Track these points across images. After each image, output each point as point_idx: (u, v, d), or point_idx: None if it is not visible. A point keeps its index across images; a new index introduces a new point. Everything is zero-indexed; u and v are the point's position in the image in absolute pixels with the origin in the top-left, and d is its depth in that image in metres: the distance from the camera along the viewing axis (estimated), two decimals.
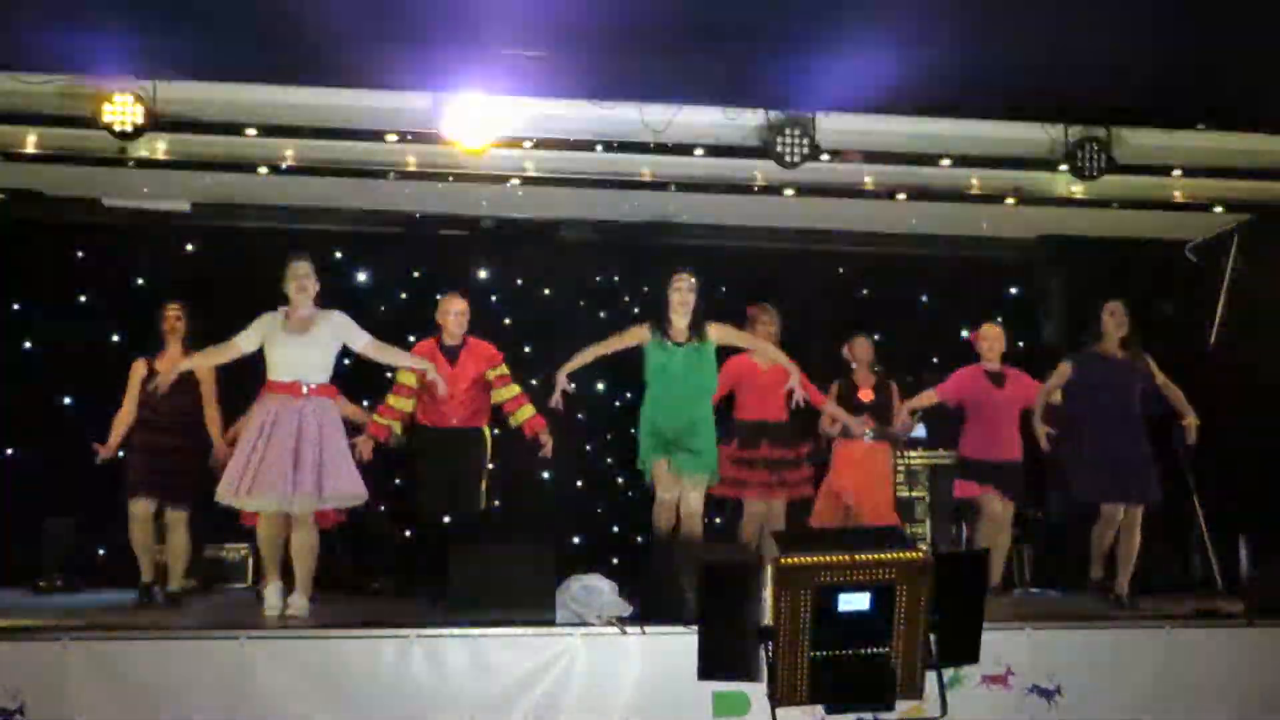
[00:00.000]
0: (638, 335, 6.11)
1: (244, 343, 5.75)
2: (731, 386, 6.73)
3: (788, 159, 6.61)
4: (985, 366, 6.99)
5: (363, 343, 5.87)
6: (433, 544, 6.46)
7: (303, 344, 5.70)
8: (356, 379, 7.38)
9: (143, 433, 6.43)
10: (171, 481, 6.38)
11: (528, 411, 6.65)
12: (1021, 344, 7.68)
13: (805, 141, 6.61)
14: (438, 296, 6.77)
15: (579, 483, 8.51)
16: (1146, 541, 6.63)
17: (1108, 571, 6.63)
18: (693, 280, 6.07)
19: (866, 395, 7.10)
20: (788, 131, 6.60)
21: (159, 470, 6.35)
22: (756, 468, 6.66)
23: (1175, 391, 6.63)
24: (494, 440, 6.78)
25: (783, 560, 3.54)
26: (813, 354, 7.19)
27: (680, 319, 6.07)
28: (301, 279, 5.76)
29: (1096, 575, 6.63)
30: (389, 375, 7.35)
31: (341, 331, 5.82)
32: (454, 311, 6.59)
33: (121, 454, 6.49)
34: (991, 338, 7.03)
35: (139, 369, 6.50)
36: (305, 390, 5.65)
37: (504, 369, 6.69)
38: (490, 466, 6.70)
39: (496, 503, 6.98)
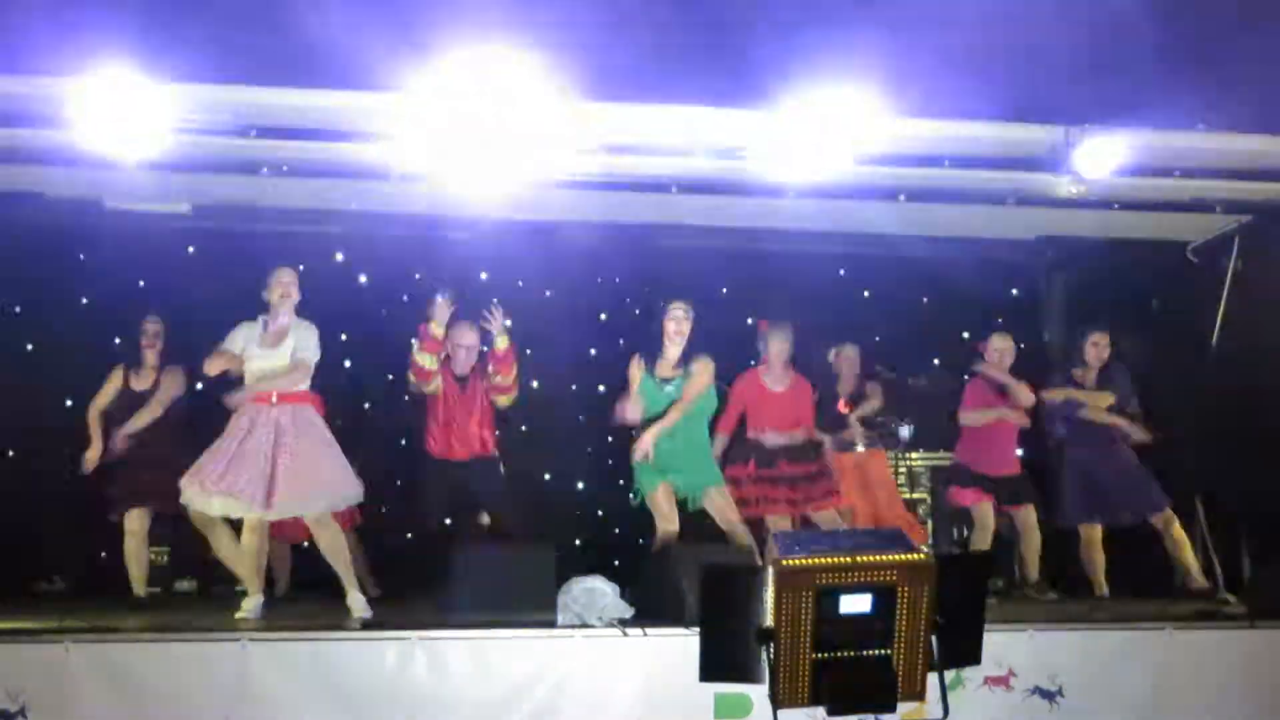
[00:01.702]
0: (636, 370, 6.15)
1: (232, 348, 5.80)
2: (741, 407, 6.70)
3: (788, 160, 6.61)
4: (995, 374, 7.01)
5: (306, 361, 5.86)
6: (434, 546, 6.49)
7: (277, 354, 5.76)
8: (357, 380, 7.41)
9: (131, 445, 6.45)
10: (166, 490, 6.40)
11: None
12: (1022, 345, 7.69)
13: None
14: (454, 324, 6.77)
15: (580, 484, 8.51)
16: (1148, 542, 6.68)
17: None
18: (689, 309, 6.10)
19: (843, 407, 7.12)
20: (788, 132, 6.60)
21: (152, 480, 6.36)
22: (779, 485, 6.62)
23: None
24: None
25: (784, 561, 3.54)
26: (813, 355, 7.20)
27: (675, 348, 6.13)
28: (286, 285, 5.81)
29: (1102, 594, 6.74)
30: (389, 378, 7.39)
31: (307, 345, 5.85)
32: (465, 345, 6.62)
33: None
34: (1002, 349, 7.05)
35: (115, 379, 6.61)
36: (275, 399, 5.70)
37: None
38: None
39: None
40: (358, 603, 5.65)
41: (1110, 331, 6.98)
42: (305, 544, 6.70)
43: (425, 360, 6.45)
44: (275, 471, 5.58)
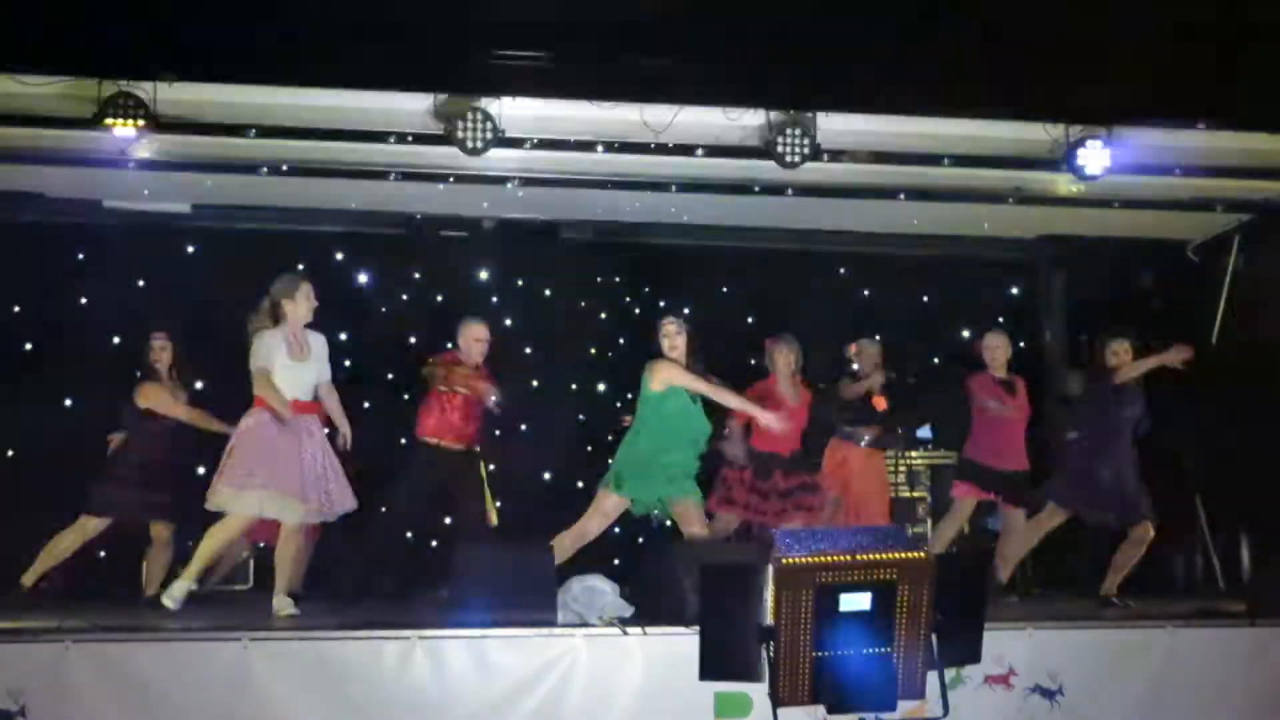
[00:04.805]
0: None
1: (270, 364, 5.78)
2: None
3: (788, 159, 6.62)
4: (994, 375, 7.00)
5: (325, 376, 6.01)
6: (434, 545, 6.53)
7: (304, 366, 5.87)
8: (357, 380, 7.41)
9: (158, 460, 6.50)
10: (155, 498, 6.45)
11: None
12: (1023, 344, 7.67)
13: (806, 141, 6.62)
14: (461, 319, 6.85)
15: (580, 483, 8.50)
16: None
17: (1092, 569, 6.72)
18: (680, 323, 6.09)
19: (880, 404, 7.10)
20: (788, 132, 6.61)
21: (142, 485, 6.43)
22: (770, 499, 6.67)
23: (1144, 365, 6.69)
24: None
25: (784, 560, 3.54)
26: (813, 353, 7.20)
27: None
28: (313, 299, 5.92)
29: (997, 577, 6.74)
30: (389, 377, 7.39)
31: (324, 356, 6.00)
32: (476, 338, 6.76)
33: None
34: (995, 346, 7.04)
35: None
36: (301, 407, 5.81)
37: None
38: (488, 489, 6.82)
39: (498, 503, 7.01)
40: (285, 604, 5.74)
41: (1132, 341, 6.82)
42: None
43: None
44: (305, 477, 5.71)
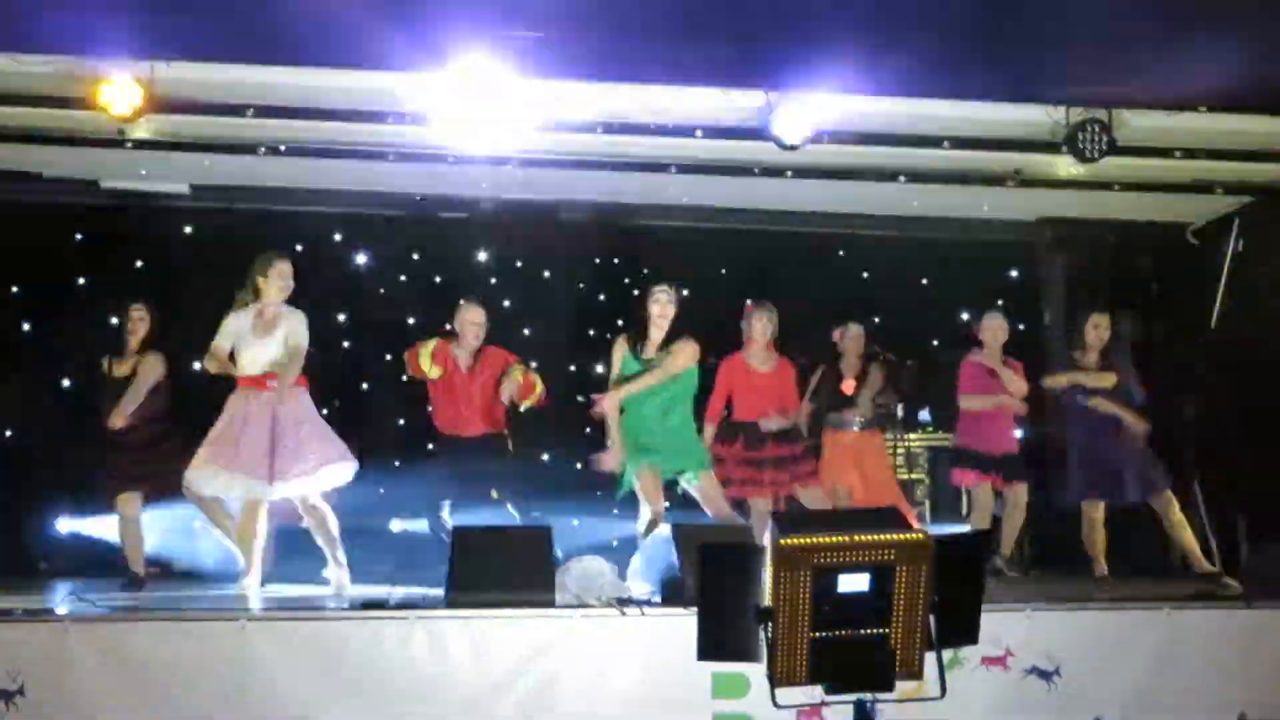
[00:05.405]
0: (620, 349, 6.17)
1: (229, 341, 5.92)
2: (727, 391, 6.74)
3: (788, 141, 6.60)
4: (984, 360, 7.02)
5: (300, 346, 5.98)
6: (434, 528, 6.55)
7: (270, 342, 5.89)
8: (355, 361, 7.41)
9: (117, 431, 6.47)
10: (156, 473, 6.45)
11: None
12: (1022, 326, 7.66)
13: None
14: (459, 301, 6.83)
15: (578, 465, 8.51)
16: (1146, 522, 6.70)
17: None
18: (672, 293, 6.12)
19: (849, 388, 7.12)
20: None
21: (142, 465, 6.42)
22: (765, 468, 6.67)
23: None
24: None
25: (782, 541, 3.54)
26: (811, 338, 7.21)
27: (658, 331, 6.15)
28: (287, 278, 5.97)
29: (1101, 573, 6.73)
30: (387, 359, 7.38)
31: (299, 333, 5.97)
32: (472, 322, 6.71)
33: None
34: (993, 329, 7.07)
35: (104, 368, 6.61)
36: (274, 384, 5.85)
37: (522, 365, 6.75)
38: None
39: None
40: (341, 576, 5.85)
41: (1111, 314, 6.98)
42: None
43: (429, 368, 6.55)
44: (275, 453, 5.71)
